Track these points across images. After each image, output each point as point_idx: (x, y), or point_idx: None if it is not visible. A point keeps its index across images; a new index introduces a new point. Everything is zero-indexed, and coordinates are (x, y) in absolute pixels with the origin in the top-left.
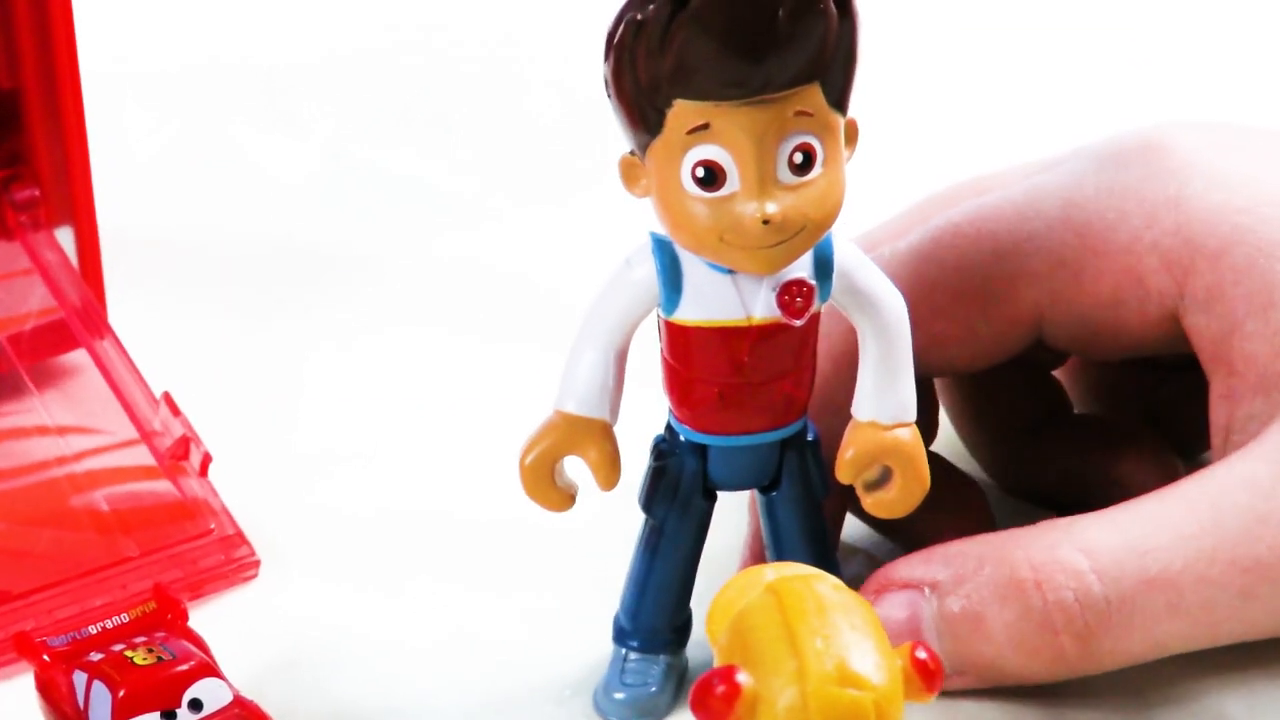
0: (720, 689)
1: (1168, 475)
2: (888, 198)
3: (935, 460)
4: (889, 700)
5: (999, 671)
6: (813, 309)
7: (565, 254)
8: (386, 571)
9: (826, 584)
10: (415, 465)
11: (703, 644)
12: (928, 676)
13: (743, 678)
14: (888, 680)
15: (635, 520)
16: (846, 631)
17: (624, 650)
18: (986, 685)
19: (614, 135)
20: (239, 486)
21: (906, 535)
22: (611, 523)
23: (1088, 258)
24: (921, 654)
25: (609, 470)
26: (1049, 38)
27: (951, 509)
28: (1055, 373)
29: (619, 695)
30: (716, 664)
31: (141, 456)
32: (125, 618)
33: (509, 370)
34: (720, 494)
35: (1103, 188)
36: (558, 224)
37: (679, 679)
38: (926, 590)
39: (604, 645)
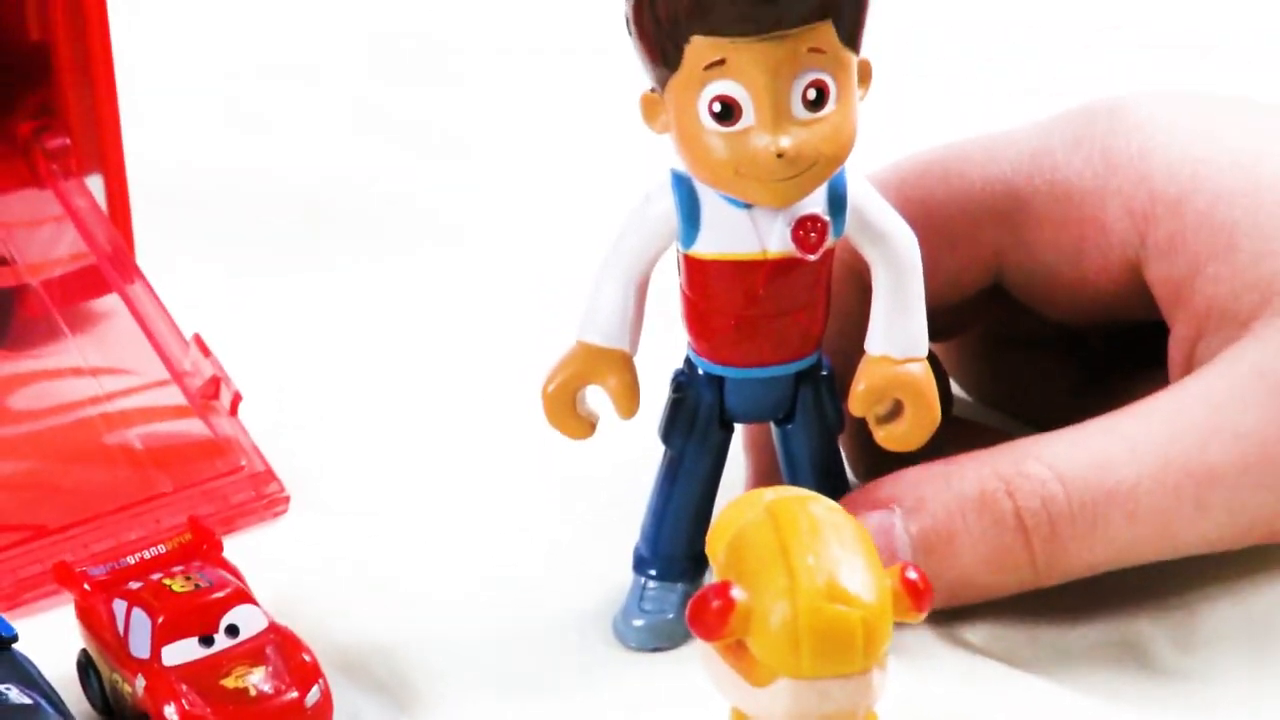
0: (715, 603)
1: None
2: (900, 140)
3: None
4: (877, 617)
5: (969, 585)
6: (827, 244)
7: (585, 192)
8: (411, 506)
9: (821, 505)
10: (437, 403)
11: None
12: (917, 596)
13: (737, 593)
14: (877, 598)
15: (656, 453)
16: (838, 550)
17: (643, 579)
18: (955, 603)
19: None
20: (268, 425)
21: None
22: (633, 456)
23: (1052, 203)
24: (911, 574)
25: (629, 399)
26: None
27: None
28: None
29: (638, 622)
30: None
31: (173, 396)
32: (162, 549)
33: (530, 307)
34: (738, 426)
35: (1069, 140)
36: (579, 164)
37: None
38: (897, 509)
39: (624, 575)
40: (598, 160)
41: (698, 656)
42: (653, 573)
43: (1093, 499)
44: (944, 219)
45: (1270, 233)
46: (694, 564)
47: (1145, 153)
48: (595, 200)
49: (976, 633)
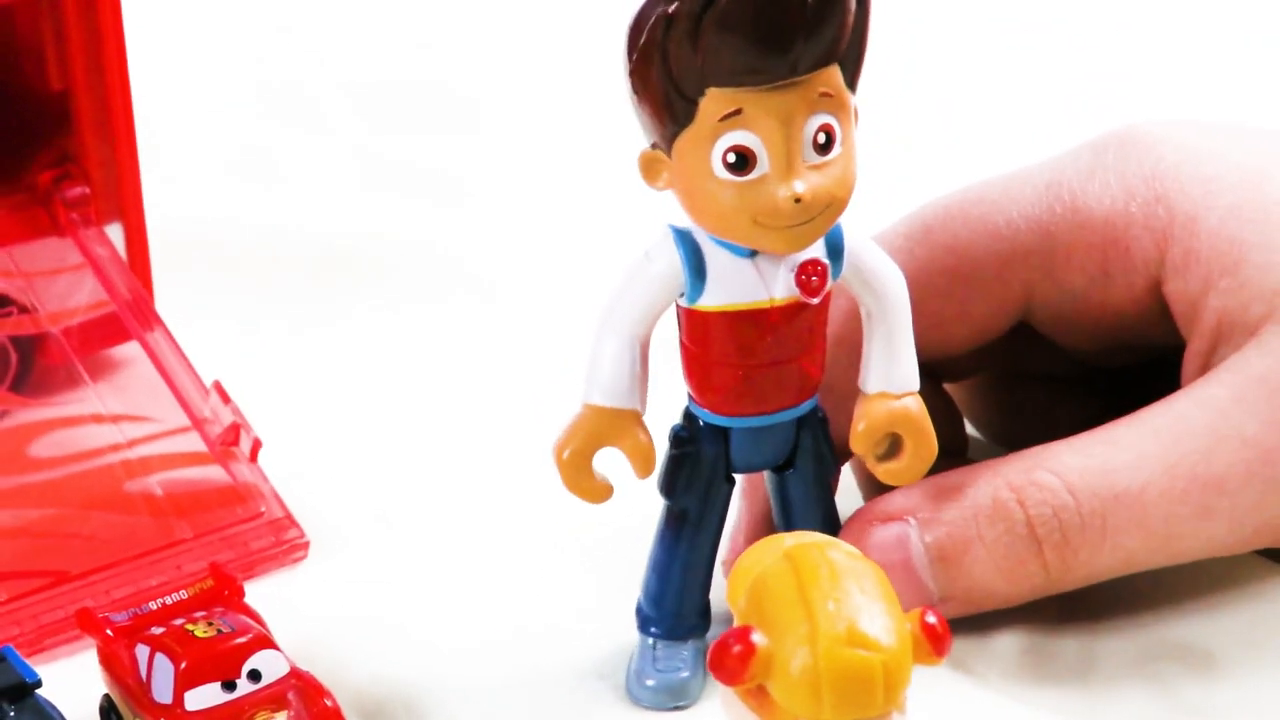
0: (736, 649)
1: None
2: (895, 189)
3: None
4: (898, 662)
5: (983, 594)
6: (826, 287)
7: (599, 239)
8: (428, 553)
9: (840, 550)
10: (452, 450)
11: (726, 622)
12: (936, 640)
13: (758, 638)
14: (897, 642)
15: (651, 508)
16: (858, 595)
17: (649, 638)
18: (971, 611)
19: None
20: (288, 472)
21: None
22: (627, 511)
23: (1076, 232)
24: (931, 619)
25: (645, 458)
26: (1058, 33)
27: None
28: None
29: (651, 682)
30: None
31: (193, 443)
32: (184, 594)
33: (544, 355)
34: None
35: (1083, 170)
36: (592, 211)
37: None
38: (911, 520)
39: (632, 629)
40: (611, 207)
41: (718, 702)
42: (658, 632)
43: (1101, 506)
44: (973, 263)
45: (1278, 245)
46: (701, 619)
47: (1159, 174)
48: (608, 247)
49: (994, 671)
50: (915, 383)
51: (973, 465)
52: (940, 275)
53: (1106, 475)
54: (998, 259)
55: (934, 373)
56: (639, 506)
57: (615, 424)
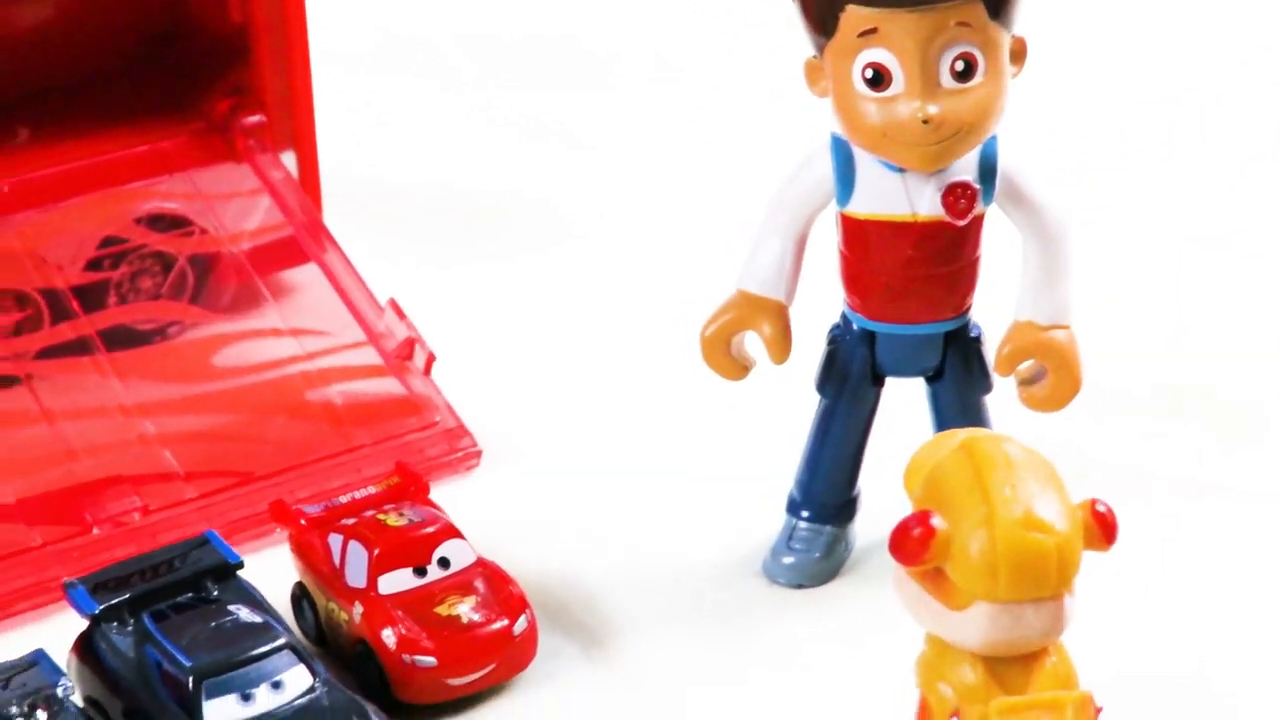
0: (917, 531)
1: None
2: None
3: None
4: (1070, 546)
5: None
6: (975, 210)
7: (724, 183)
8: (591, 459)
9: (1014, 443)
10: (609, 370)
11: (870, 519)
12: (1106, 528)
13: (937, 521)
14: (1070, 528)
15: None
16: (1033, 483)
17: (795, 520)
18: None
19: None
20: (460, 385)
21: None
22: (794, 406)
23: None
24: (1101, 507)
25: (781, 346)
26: None
27: None
28: None
29: (786, 560)
30: None
31: (369, 357)
32: (373, 490)
33: (699, 272)
34: (895, 382)
35: None
36: (717, 158)
37: (844, 550)
38: None
39: (780, 517)
40: (732, 162)
41: (893, 585)
42: (805, 515)
43: None
44: None
45: None
46: (844, 510)
47: None
48: (731, 191)
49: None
50: (1067, 315)
51: None
52: None
53: None
54: None
55: None
56: (797, 416)
57: (759, 310)
